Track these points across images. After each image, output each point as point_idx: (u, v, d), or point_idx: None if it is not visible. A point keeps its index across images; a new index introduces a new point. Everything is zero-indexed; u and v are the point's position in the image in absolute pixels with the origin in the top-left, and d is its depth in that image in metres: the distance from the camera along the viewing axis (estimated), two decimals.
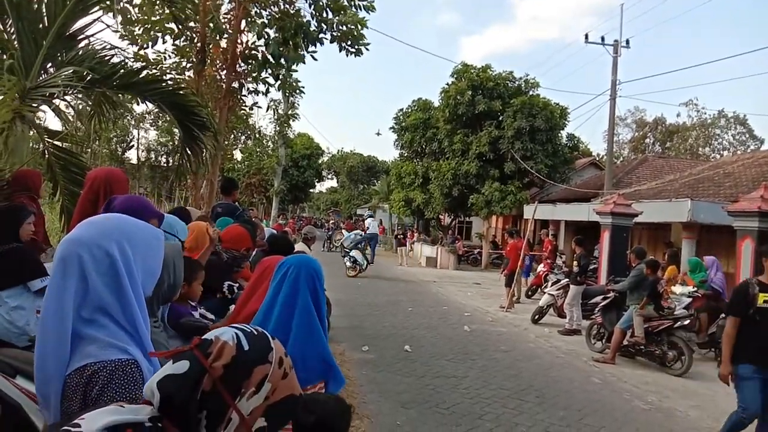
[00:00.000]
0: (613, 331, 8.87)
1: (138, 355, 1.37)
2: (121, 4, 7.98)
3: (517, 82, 24.05)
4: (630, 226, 12.91)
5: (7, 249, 3.23)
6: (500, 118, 22.96)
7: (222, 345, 1.09)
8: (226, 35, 9.41)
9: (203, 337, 1.13)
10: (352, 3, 9.45)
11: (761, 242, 8.64)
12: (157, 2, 8.50)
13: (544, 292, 12.57)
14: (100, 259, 1.37)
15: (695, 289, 9.84)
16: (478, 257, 25.66)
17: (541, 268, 15.00)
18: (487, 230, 25.89)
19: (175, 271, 2.09)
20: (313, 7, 9.37)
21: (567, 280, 11.53)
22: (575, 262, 11.17)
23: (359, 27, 9.39)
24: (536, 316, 11.89)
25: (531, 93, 23.67)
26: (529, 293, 15.20)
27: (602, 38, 21.94)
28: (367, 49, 9.74)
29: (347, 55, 9.70)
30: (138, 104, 7.13)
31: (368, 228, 22.91)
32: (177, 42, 9.36)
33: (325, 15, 9.45)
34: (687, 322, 8.51)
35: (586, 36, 22.12)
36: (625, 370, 8.44)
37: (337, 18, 9.37)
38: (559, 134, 23.82)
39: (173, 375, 1.07)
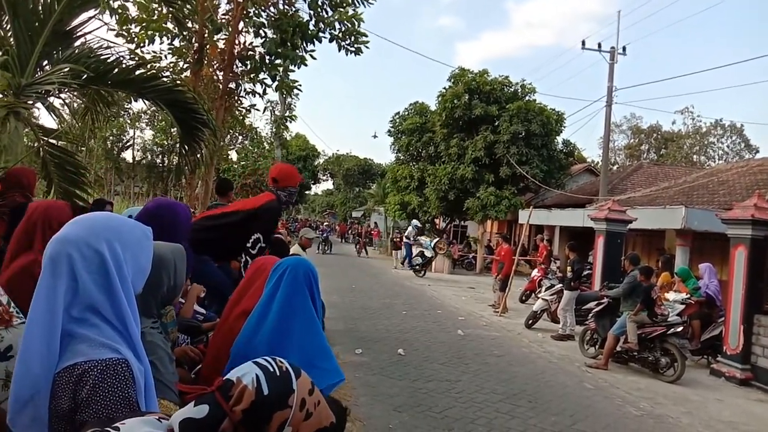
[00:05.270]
0: (606, 336, 8.88)
1: (129, 355, 1.36)
2: (119, 1, 7.99)
3: (513, 87, 24.10)
4: (624, 232, 12.93)
5: None
6: (496, 123, 23.01)
7: (242, 389, 1.09)
8: (224, 34, 9.40)
9: (225, 378, 1.13)
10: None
11: (754, 250, 8.67)
12: (155, 1, 8.48)
13: (538, 297, 12.59)
14: (90, 257, 1.36)
15: (688, 296, 9.86)
16: (472, 261, 25.67)
17: (535, 273, 15.00)
18: (481, 234, 25.91)
19: (176, 273, 2.07)
20: (310, 5, 9.35)
21: (561, 285, 11.55)
22: (569, 268, 11.19)
23: (356, 23, 9.37)
24: (530, 321, 11.90)
25: (527, 98, 23.72)
26: (523, 298, 15.21)
27: (599, 45, 22.04)
28: (367, 47, 9.67)
29: (347, 54, 9.66)
30: (134, 101, 7.11)
31: (408, 236, 23.46)
32: (174, 42, 9.34)
33: (322, 13, 9.43)
34: (680, 328, 8.53)
35: (583, 42, 22.13)
36: (618, 376, 8.45)
37: (336, 16, 9.34)
38: (555, 140, 23.90)
39: (192, 419, 1.08)
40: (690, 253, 13.69)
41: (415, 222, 24.94)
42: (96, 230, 1.40)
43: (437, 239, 23.48)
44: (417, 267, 21.74)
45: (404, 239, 23.94)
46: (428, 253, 22.08)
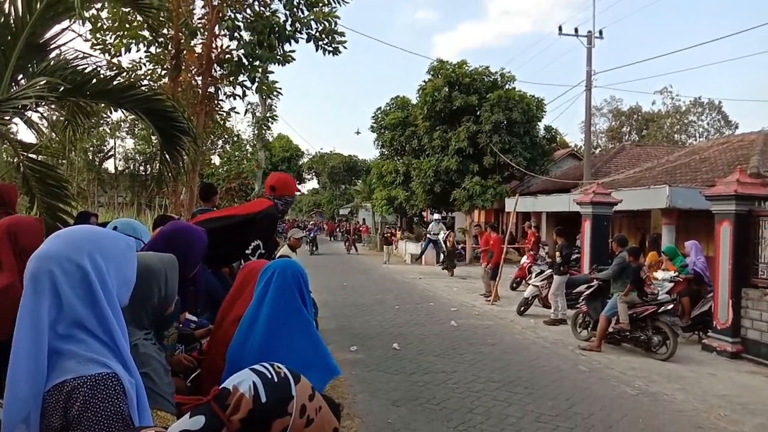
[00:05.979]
0: (598, 319, 8.96)
1: (118, 368, 1.34)
2: (92, 11, 7.90)
3: (493, 77, 24.11)
4: (610, 214, 13.05)
5: None
6: (478, 113, 23.02)
7: (239, 397, 1.05)
8: (200, 39, 9.34)
9: (222, 386, 1.09)
10: None
11: (739, 225, 8.77)
12: (129, 10, 8.39)
13: (529, 284, 12.66)
14: (72, 272, 1.34)
15: (677, 273, 9.97)
16: (462, 252, 25.72)
17: (524, 260, 15.08)
18: (470, 225, 25.97)
19: (167, 284, 2.04)
20: (285, 5, 9.31)
21: (550, 270, 11.62)
22: (557, 253, 11.26)
23: (331, 21, 9.34)
24: (522, 308, 11.96)
25: (507, 87, 23.76)
26: (514, 285, 15.29)
27: (576, 30, 22.18)
28: (345, 47, 9.67)
29: (324, 54, 9.65)
30: (113, 112, 7.06)
31: (432, 232, 23.80)
32: (151, 49, 9.26)
33: (299, 13, 9.40)
34: (670, 306, 8.62)
35: (560, 28, 22.23)
36: (612, 356, 8.53)
37: (312, 15, 9.31)
38: (537, 126, 23.97)
39: (189, 431, 1.05)
40: (676, 231, 13.83)
41: (437, 216, 25.03)
42: (77, 244, 1.39)
43: (448, 232, 23.43)
44: (446, 264, 20.95)
45: (428, 236, 24.38)
46: (445, 249, 21.54)
